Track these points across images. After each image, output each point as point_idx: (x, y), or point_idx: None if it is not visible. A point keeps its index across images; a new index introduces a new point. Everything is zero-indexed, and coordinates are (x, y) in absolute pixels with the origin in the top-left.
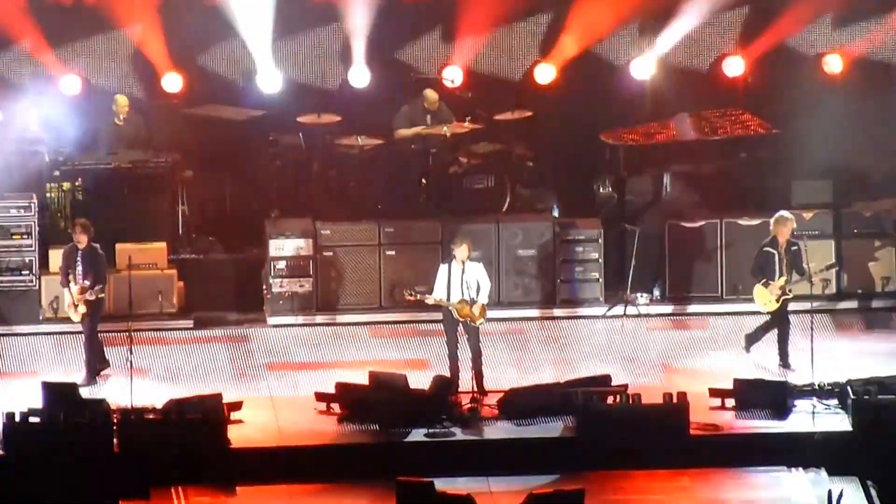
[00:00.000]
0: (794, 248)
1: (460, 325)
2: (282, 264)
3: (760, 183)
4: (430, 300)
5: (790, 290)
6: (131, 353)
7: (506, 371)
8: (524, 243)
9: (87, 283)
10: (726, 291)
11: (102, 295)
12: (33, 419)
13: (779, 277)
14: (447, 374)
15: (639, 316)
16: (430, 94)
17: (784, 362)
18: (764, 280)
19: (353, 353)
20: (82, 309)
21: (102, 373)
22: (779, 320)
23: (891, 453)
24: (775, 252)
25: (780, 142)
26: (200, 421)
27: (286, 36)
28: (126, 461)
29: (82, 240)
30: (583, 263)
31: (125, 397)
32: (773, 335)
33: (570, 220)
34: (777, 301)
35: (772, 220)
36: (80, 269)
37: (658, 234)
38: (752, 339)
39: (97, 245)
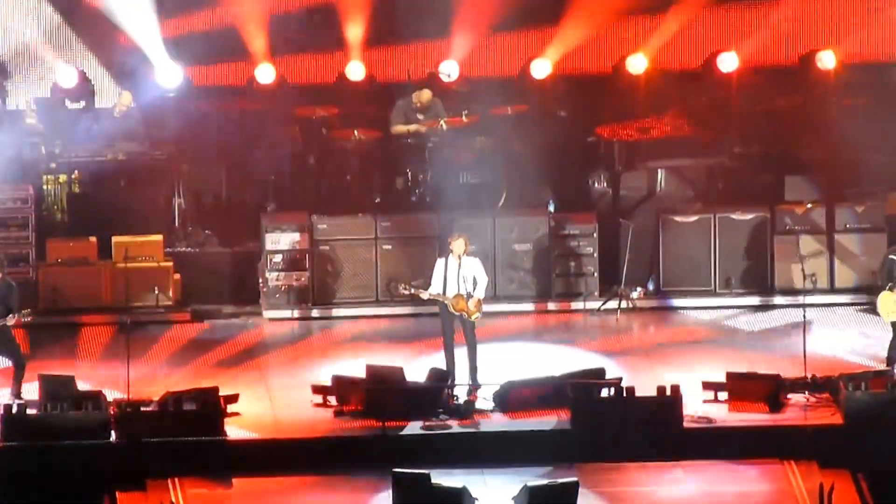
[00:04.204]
0: None
1: (456, 318)
2: (278, 258)
3: (753, 178)
4: (424, 295)
5: None
6: (128, 345)
7: (501, 364)
8: (520, 238)
9: None
10: (719, 285)
11: (9, 322)
12: (30, 411)
13: None
14: (443, 367)
15: (633, 309)
16: (425, 94)
17: None
18: (891, 284)
19: (350, 346)
20: None
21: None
22: None
23: (881, 446)
24: None
25: (774, 137)
26: (197, 413)
27: (283, 29)
28: (123, 453)
29: None
30: (578, 258)
31: (122, 389)
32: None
33: (565, 215)
34: None
35: None
36: None
37: (652, 229)
38: None
39: (9, 278)
